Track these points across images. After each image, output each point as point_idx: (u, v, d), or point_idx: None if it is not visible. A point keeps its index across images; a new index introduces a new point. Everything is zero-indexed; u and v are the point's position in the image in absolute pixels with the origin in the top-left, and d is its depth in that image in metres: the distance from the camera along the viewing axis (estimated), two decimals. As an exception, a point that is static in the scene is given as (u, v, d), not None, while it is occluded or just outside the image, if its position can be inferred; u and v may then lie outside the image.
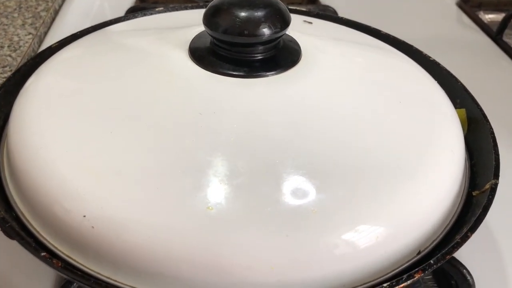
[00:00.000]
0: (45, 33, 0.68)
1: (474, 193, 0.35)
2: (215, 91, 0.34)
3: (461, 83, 0.43)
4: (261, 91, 0.34)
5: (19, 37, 0.64)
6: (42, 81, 0.37)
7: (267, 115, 0.33)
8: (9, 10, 0.69)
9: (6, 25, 0.66)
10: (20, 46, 0.62)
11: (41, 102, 0.35)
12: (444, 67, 0.45)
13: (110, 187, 0.29)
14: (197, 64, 0.36)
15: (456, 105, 0.42)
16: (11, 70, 0.58)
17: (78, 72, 0.37)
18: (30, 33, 0.64)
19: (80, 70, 0.37)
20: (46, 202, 0.30)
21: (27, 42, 0.63)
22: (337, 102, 0.35)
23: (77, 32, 0.47)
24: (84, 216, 0.28)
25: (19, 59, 0.60)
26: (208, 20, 0.35)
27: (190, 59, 0.36)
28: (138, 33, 0.42)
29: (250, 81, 0.35)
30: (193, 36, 0.38)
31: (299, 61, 0.37)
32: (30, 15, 0.68)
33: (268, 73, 0.35)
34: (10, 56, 0.60)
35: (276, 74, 0.35)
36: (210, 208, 0.28)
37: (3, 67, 0.58)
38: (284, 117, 0.33)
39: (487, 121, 0.39)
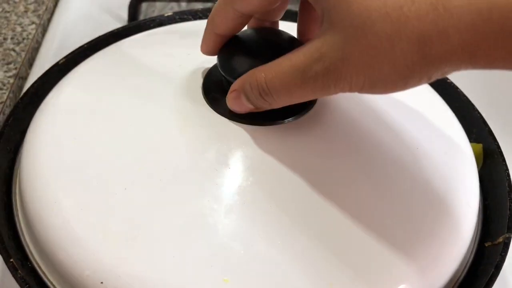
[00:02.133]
0: (49, 20, 0.66)
1: (486, 244, 0.35)
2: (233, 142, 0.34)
3: (479, 114, 0.42)
4: (277, 140, 0.34)
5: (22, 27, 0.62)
6: (43, 128, 0.36)
7: (283, 168, 0.33)
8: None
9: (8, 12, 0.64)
10: (23, 39, 0.60)
11: (51, 148, 0.34)
12: (462, 92, 0.44)
13: (127, 254, 0.29)
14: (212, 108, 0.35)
15: (472, 135, 0.41)
16: (15, 68, 0.56)
17: (85, 121, 0.36)
18: (33, 23, 0.62)
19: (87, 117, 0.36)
20: (62, 262, 0.30)
21: (30, 33, 0.61)
22: (352, 147, 0.35)
23: (85, 44, 0.45)
24: (102, 283, 0.29)
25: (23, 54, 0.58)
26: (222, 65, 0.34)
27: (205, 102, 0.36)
28: (149, 58, 0.41)
29: (267, 129, 0.34)
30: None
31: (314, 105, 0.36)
32: (32, 0, 0.66)
33: (284, 120, 0.35)
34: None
35: (292, 120, 0.35)
36: (226, 280, 0.28)
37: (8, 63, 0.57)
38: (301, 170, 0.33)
39: (504, 161, 0.38)
